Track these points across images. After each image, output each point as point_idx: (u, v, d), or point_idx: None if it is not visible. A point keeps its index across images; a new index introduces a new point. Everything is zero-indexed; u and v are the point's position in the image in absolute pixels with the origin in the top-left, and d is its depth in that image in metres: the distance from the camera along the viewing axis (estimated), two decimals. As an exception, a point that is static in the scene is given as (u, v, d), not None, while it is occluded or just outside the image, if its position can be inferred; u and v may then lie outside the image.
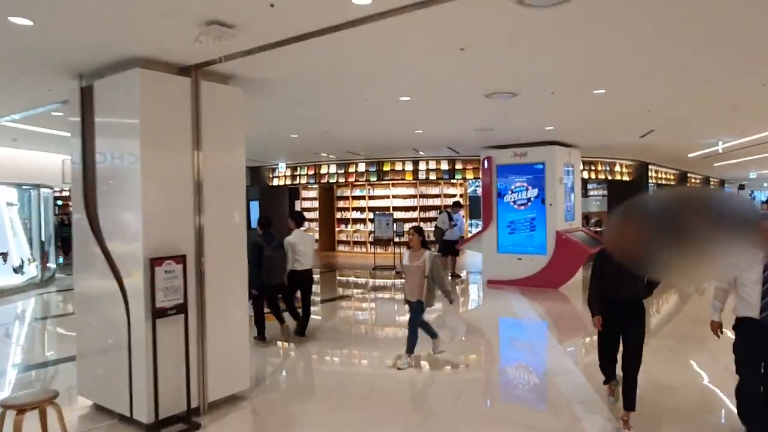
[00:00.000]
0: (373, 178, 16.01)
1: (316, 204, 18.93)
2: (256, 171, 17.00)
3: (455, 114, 7.54)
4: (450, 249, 12.18)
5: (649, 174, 18.90)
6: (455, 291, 5.95)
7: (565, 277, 10.53)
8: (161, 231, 4.31)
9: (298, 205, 19.85)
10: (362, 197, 17.74)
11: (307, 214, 19.32)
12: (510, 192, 11.13)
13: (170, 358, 4.32)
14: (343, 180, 16.32)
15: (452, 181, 17.19)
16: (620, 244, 3.26)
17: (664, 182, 21.80)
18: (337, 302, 10.32)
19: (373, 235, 14.66)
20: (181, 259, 4.32)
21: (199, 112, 4.54)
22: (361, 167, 15.96)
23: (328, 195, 18.84)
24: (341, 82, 5.51)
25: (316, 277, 13.95)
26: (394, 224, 14.17)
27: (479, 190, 31.92)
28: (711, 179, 31.73)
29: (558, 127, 8.98)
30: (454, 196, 17.79)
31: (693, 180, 26.83)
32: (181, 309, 4.33)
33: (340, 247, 18.53)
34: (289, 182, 17.07)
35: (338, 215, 18.43)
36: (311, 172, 16.55)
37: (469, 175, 15.37)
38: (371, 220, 15.64)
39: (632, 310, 4.14)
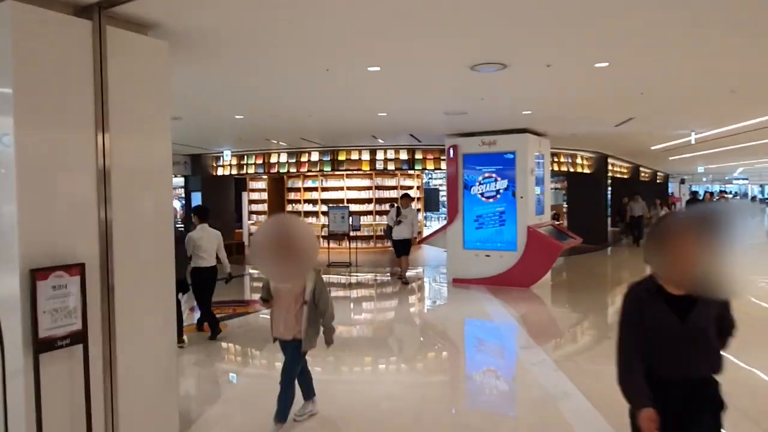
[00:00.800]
0: (327, 168, 14.87)
1: (265, 195, 17.72)
2: (198, 159, 15.51)
3: (429, 92, 6.56)
4: (401, 249, 10.50)
5: (608, 167, 18.65)
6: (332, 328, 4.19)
7: (537, 275, 9.82)
8: (48, 232, 3.11)
9: (245, 197, 18.54)
10: (315, 189, 16.65)
11: (255, 207, 18.08)
12: (477, 183, 10.30)
13: (63, 404, 3.15)
14: (295, 170, 15.09)
15: (410, 172, 16.32)
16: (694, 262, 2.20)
17: (618, 176, 21.75)
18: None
19: (326, 229, 13.60)
20: (77, 269, 3.14)
21: (105, 72, 3.35)
22: (314, 156, 14.80)
23: (278, 186, 17.64)
24: (296, 43, 4.41)
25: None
26: (350, 218, 13.19)
27: (432, 182, 31.39)
28: (658, 173, 32.30)
29: (536, 112, 8.17)
30: (411, 188, 16.97)
31: (643, 174, 27.08)
32: (78, 338, 3.16)
33: (291, 242, 17.36)
34: (235, 172, 15.68)
35: (289, 208, 17.28)
36: (260, 161, 15.24)
37: (430, 166, 14.50)
38: (324, 213, 14.54)
39: (706, 393, 2.34)
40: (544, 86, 6.16)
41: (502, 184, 10.09)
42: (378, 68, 5.20)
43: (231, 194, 16.40)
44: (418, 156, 14.42)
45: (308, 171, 15.09)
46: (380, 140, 12.82)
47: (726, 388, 2.38)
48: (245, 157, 15.36)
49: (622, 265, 13.72)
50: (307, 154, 14.76)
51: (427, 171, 16.13)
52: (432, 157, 14.41)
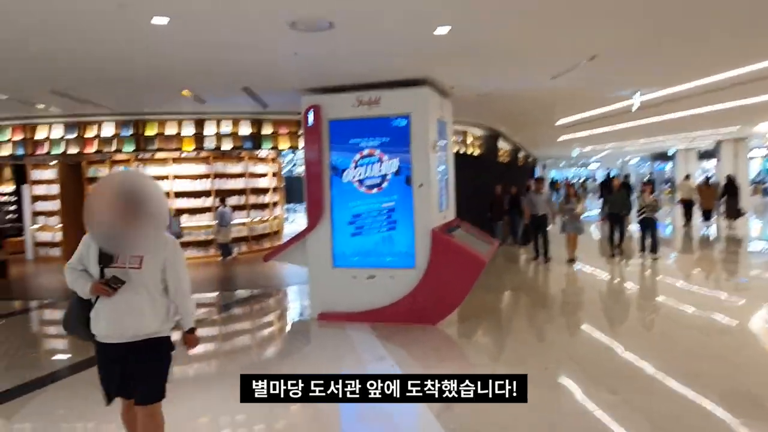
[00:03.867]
0: (129, 148, 10.04)
1: (54, 189, 12.41)
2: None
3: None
4: None
5: (498, 150, 16.06)
6: None
7: (449, 305, 6.37)
8: None
9: (25, 192, 13.03)
10: (126, 178, 11.83)
11: (41, 206, 12.72)
12: (353, 166, 6.58)
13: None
14: (77, 150, 10.01)
15: (260, 154, 12.19)
16: None
17: (501, 160, 19.33)
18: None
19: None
20: None
21: None
22: (108, 130, 9.91)
23: (74, 176, 12.41)
24: None
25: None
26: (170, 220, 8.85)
27: (296, 170, 26.65)
28: (529, 158, 31.18)
29: (459, 30, 4.59)
30: (264, 175, 12.92)
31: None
32: None
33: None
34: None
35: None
36: (20, 138, 9.99)
37: (284, 144, 10.47)
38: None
39: None
40: None
41: (390, 165, 6.47)
42: None
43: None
44: (267, 130, 10.30)
45: (98, 151, 10.14)
46: (204, 100, 8.48)
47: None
48: (-2, 130, 10.07)
49: (540, 271, 10.79)
50: (94, 127, 9.87)
51: (280, 151, 12.03)
52: (287, 131, 10.40)
